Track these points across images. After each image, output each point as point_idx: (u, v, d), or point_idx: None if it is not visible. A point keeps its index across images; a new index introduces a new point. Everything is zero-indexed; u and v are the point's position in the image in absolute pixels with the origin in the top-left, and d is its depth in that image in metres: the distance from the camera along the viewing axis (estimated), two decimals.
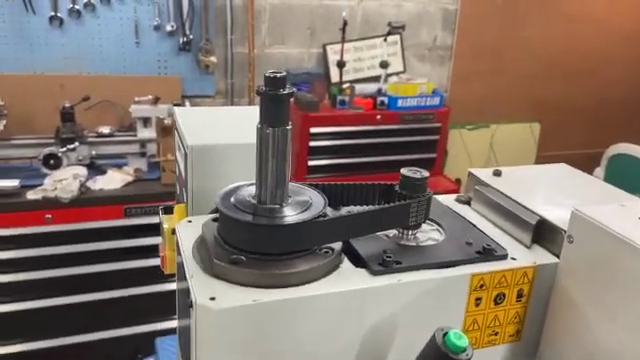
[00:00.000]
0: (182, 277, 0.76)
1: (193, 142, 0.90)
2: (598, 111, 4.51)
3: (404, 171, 0.83)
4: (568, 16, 4.16)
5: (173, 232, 0.85)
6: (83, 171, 2.71)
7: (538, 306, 0.82)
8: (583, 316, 0.75)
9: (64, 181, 2.60)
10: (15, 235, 2.53)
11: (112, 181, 2.75)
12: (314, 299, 0.69)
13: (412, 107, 3.41)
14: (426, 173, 0.82)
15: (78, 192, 2.58)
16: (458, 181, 3.73)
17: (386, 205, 0.79)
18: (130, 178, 2.79)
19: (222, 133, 0.97)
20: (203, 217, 0.84)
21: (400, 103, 3.37)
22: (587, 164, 3.96)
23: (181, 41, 3.21)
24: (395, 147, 3.44)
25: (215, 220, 0.79)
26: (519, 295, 0.80)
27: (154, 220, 2.67)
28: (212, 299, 0.66)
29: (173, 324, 3.00)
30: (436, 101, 3.47)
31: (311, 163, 3.26)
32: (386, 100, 3.36)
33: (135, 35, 3.14)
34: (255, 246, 0.71)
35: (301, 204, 0.75)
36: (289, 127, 0.72)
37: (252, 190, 0.77)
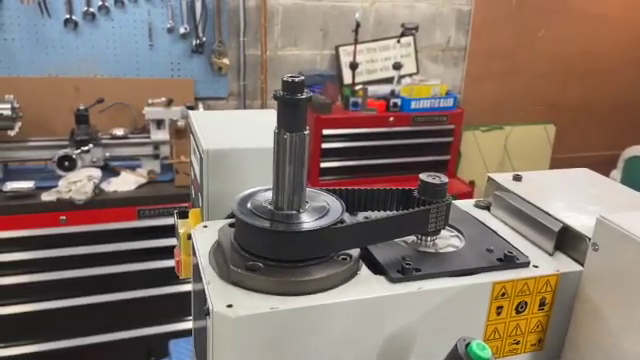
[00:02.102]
0: (198, 279, 0.75)
1: (209, 146, 0.89)
2: (614, 113, 4.45)
3: (423, 176, 0.81)
4: (584, 17, 4.11)
5: (189, 237, 0.84)
6: (97, 173, 2.72)
7: (561, 315, 0.80)
8: (608, 327, 0.73)
9: (78, 183, 2.61)
10: (30, 236, 2.55)
11: (126, 183, 2.76)
12: (332, 307, 0.68)
13: (425, 109, 3.38)
14: (445, 178, 0.81)
15: (92, 194, 2.59)
16: (472, 183, 3.70)
17: (405, 211, 0.78)
18: (143, 180, 2.80)
19: (238, 137, 0.96)
20: (219, 222, 0.83)
21: (413, 105, 3.34)
22: (603, 166, 3.93)
23: (194, 43, 3.22)
24: (408, 149, 3.42)
25: (231, 225, 0.78)
26: (541, 304, 0.78)
27: (167, 222, 2.68)
28: (229, 306, 0.65)
29: (186, 325, 3.02)
30: (449, 102, 3.45)
31: (323, 165, 3.24)
32: (399, 102, 3.34)
33: (149, 38, 3.16)
34: (272, 253, 0.70)
35: (318, 210, 0.74)
36: (307, 132, 0.71)
37: (269, 195, 0.76)
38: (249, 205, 0.74)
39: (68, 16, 3.00)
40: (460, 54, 3.94)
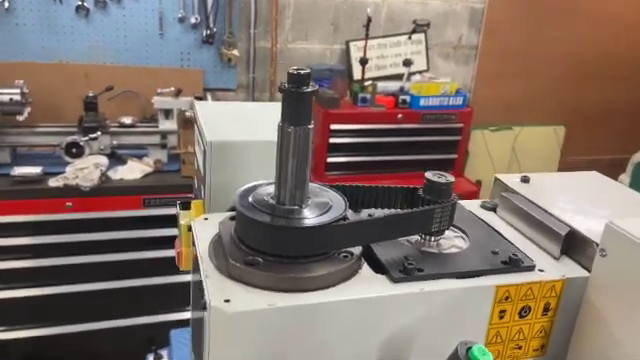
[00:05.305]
0: (197, 270, 0.74)
1: (212, 138, 0.88)
2: (625, 116, 4.40)
3: (429, 175, 0.80)
4: (597, 19, 4.05)
5: (190, 229, 0.83)
6: (104, 160, 2.71)
7: (565, 321, 0.78)
8: (614, 335, 0.71)
9: (85, 170, 2.61)
10: (36, 221, 2.55)
11: (132, 171, 2.75)
12: (331, 305, 0.66)
13: (434, 107, 3.35)
14: (451, 178, 0.79)
15: (99, 181, 2.58)
16: (479, 183, 3.67)
17: (409, 210, 0.76)
18: (150, 169, 2.79)
19: (242, 129, 0.94)
20: (220, 215, 0.81)
21: (422, 102, 3.31)
22: (612, 170, 3.87)
23: (204, 34, 3.20)
24: (416, 147, 3.40)
25: (232, 219, 0.77)
26: (545, 309, 0.77)
27: (172, 211, 2.64)
28: (227, 301, 0.64)
29: (188, 315, 3.00)
30: (459, 101, 3.41)
31: (330, 160, 3.23)
32: (408, 99, 3.31)
33: (159, 27, 3.14)
34: (272, 248, 0.69)
35: (321, 206, 0.73)
36: (311, 126, 0.70)
37: (271, 190, 0.75)
38: (250, 199, 0.73)
39: (80, 3, 2.99)
40: (472, 52, 3.91)
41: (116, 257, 2.71)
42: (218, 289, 0.66)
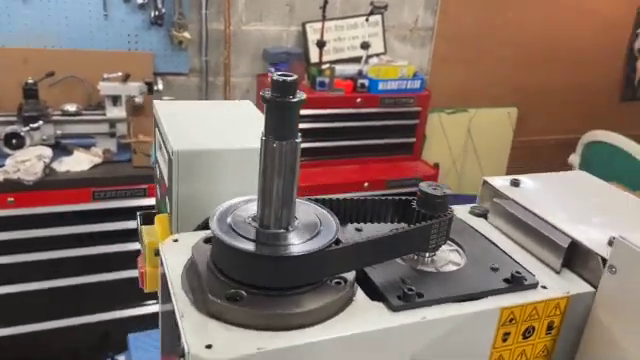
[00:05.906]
0: (168, 302, 0.65)
1: (179, 146, 0.78)
2: (576, 97, 4.49)
3: (423, 186, 0.72)
4: (548, 3, 4.10)
5: (156, 253, 0.73)
6: (48, 152, 2.55)
7: (568, 339, 0.74)
8: (624, 355, 0.67)
9: (27, 162, 2.45)
10: None
11: (79, 163, 2.60)
12: (329, 343, 0.59)
13: (393, 90, 3.31)
14: (448, 190, 0.72)
15: (42, 174, 2.43)
16: (436, 166, 3.67)
17: (405, 228, 0.69)
18: (98, 160, 2.64)
19: (211, 135, 0.84)
20: (191, 235, 0.72)
21: (381, 86, 3.26)
22: (563, 150, 3.95)
23: (153, 15, 3.02)
24: (374, 131, 3.36)
25: (206, 241, 0.68)
26: (549, 327, 0.72)
27: (124, 204, 2.54)
28: (208, 347, 0.55)
29: (144, 311, 2.87)
30: (417, 84, 3.38)
31: None
32: (367, 82, 3.25)
33: (103, 7, 2.95)
34: (257, 279, 0.60)
35: (310, 228, 0.64)
36: (299, 140, 0.61)
37: (252, 209, 0.66)
38: (229, 220, 0.64)
39: None
40: (427, 35, 3.87)
41: (65, 254, 2.58)
42: (197, 332, 0.57)
